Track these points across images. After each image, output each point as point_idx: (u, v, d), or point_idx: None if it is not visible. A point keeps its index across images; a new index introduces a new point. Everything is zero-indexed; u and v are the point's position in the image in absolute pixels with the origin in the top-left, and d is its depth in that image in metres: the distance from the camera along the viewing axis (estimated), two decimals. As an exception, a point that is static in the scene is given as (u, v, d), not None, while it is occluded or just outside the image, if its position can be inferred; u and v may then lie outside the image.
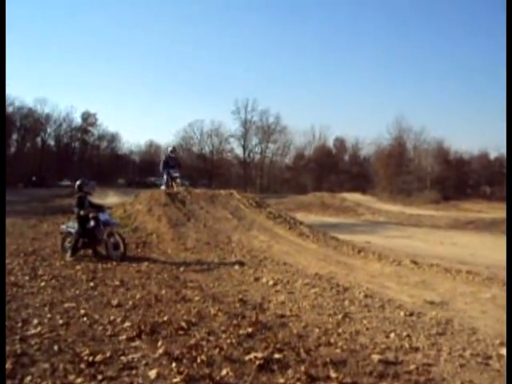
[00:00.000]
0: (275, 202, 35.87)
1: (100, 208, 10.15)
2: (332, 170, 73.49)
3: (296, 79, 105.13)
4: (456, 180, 64.42)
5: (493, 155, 69.91)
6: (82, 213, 9.67)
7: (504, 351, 4.49)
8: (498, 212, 38.13)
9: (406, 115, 68.48)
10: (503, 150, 68.26)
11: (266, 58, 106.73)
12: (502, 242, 18.08)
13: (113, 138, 72.91)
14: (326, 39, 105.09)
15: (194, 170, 67.46)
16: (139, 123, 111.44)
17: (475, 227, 24.75)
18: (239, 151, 75.50)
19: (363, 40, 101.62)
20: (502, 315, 5.84)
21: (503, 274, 8.51)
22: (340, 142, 79.28)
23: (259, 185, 71.16)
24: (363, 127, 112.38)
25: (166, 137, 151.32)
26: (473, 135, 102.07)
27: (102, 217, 9.74)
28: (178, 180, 16.87)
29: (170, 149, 18.42)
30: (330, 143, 78.35)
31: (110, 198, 30.73)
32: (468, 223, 26.24)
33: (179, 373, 3.68)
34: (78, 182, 10.00)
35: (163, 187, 16.99)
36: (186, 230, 12.52)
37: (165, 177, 17.20)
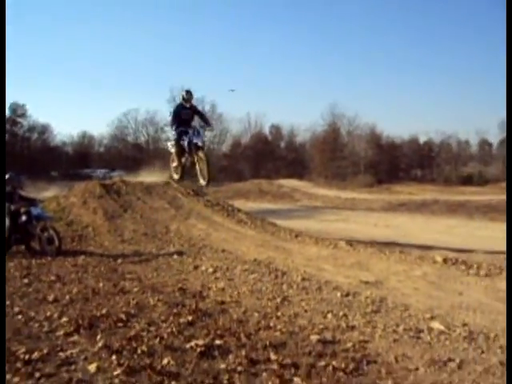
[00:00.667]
0: (213, 190, 35.76)
1: (32, 202, 9.83)
2: (269, 156, 73.93)
3: (230, 67, 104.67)
4: (388, 164, 66.44)
5: (422, 140, 72.54)
6: (12, 208, 9.34)
7: (434, 324, 4.72)
8: (428, 194, 39.77)
9: (340, 102, 70.01)
10: (432, 135, 71.15)
11: (200, 46, 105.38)
12: (432, 222, 18.93)
13: (44, 130, 70.21)
14: (258, 26, 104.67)
15: (130, 160, 66.24)
16: (71, 114, 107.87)
17: (407, 209, 25.66)
18: (176, 140, 74.45)
19: (297, 27, 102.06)
20: (433, 291, 6.14)
21: (433, 252, 8.92)
22: (276, 129, 79.77)
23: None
24: (298, 114, 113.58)
25: (99, 127, 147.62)
26: (404, 121, 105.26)
27: (34, 211, 9.46)
28: (201, 153, 10.78)
29: (182, 93, 11.39)
30: (266, 130, 78.69)
31: (44, 192, 29.64)
32: (400, 205, 27.16)
33: (119, 365, 3.64)
34: (6, 176, 9.63)
35: (174, 164, 11.81)
36: (122, 222, 12.32)
37: (174, 137, 11.20)
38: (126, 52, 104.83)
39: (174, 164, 11.80)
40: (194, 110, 11.52)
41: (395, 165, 68.35)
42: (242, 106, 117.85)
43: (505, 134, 70.48)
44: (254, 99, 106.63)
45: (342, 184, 54.06)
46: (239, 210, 14.63)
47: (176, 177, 12.14)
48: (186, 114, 11.21)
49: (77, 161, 69.16)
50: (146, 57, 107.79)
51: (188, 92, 11.27)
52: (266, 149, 74.08)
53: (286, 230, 12.25)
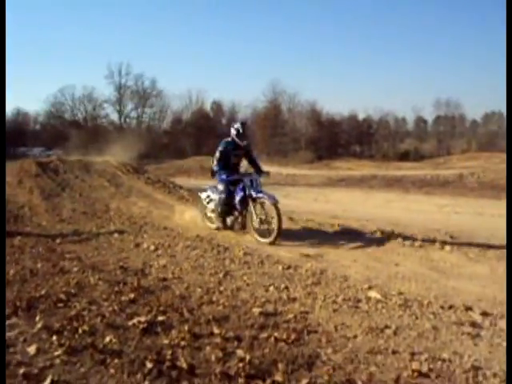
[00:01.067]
0: (154, 167, 35.41)
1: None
2: (210, 133, 73.25)
3: (170, 42, 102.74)
4: (328, 140, 67.44)
5: (361, 117, 73.97)
6: None
7: (371, 294, 4.91)
8: (367, 169, 40.75)
9: (281, 78, 70.15)
10: (371, 112, 72.64)
11: (138, 20, 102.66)
12: (370, 196, 19.45)
13: (-28, 107, 66.94)
14: (197, 2, 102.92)
15: (68, 137, 64.26)
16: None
17: (346, 184, 26.19)
18: (115, 117, 72.95)
19: (235, 2, 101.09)
20: (371, 262, 6.35)
21: (372, 225, 9.18)
22: (217, 106, 79.38)
23: (137, 150, 69.35)
24: (239, 91, 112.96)
25: (34, 104, 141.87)
26: (343, 98, 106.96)
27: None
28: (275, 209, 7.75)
29: (236, 126, 8.51)
30: (208, 107, 78.13)
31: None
32: (339, 181, 27.69)
33: (60, 345, 3.58)
34: None
35: (216, 221, 8.93)
36: (60, 201, 12.01)
37: (220, 190, 8.55)
38: (61, 27, 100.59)
39: (210, 218, 9.18)
40: (247, 151, 8.63)
41: (335, 141, 69.49)
42: (183, 83, 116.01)
43: (439, 112, 73.07)
44: (195, 76, 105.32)
45: (283, 160, 54.45)
46: (181, 187, 14.55)
47: (218, 226, 8.86)
48: (236, 157, 8.55)
49: (11, 139, 66.37)
50: (83, 30, 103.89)
51: (244, 124, 8.50)
52: (207, 125, 73.53)
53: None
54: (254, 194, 7.92)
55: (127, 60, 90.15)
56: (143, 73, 72.78)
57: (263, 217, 7.88)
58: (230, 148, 8.33)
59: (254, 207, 7.95)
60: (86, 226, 9.87)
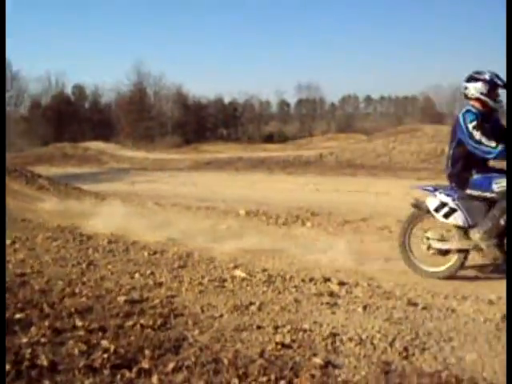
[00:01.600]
0: (12, 156, 33.06)
1: None
2: (72, 118, 70.01)
3: (22, 25, 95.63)
4: (195, 124, 67.35)
5: (227, 100, 74.76)
6: None
7: (236, 273, 5.02)
8: (233, 152, 41.38)
9: (145, 61, 68.56)
10: (235, 95, 73.67)
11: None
12: (236, 178, 19.80)
13: None
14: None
15: None
16: None
17: (213, 167, 26.37)
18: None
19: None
20: (235, 242, 6.47)
21: (238, 206, 9.36)
22: (79, 89, 75.81)
23: (-11, 139, 64.30)
24: (102, 74, 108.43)
25: None
26: (209, 81, 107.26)
27: None
28: None
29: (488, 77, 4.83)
30: (69, 91, 74.26)
31: None
32: (207, 164, 27.78)
33: None
34: None
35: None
36: None
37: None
38: None
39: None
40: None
41: (202, 125, 69.55)
42: (41, 65, 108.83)
43: (301, 96, 76.10)
44: (53, 58, 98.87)
45: (150, 145, 53.46)
46: (40, 176, 13.76)
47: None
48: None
49: None
50: None
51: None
52: (69, 110, 69.92)
53: (91, 194, 11.85)
54: None
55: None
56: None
57: None
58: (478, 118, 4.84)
59: None
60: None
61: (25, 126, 69.58)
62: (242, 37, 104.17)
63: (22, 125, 70.58)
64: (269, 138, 68.32)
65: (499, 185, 4.69)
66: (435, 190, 5.15)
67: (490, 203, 4.80)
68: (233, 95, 75.77)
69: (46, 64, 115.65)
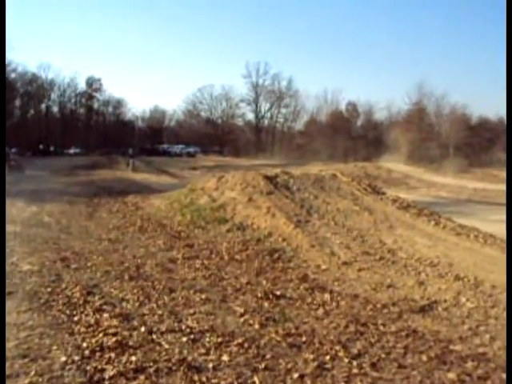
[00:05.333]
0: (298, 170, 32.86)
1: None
2: (346, 135, 70.17)
3: (309, 42, 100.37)
4: (478, 146, 61.69)
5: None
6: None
7: None
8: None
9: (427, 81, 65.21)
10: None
11: (278, 20, 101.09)
12: None
13: (118, 104, 68.79)
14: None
15: (204, 136, 64.14)
16: (144, 88, 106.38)
17: None
18: (250, 116, 71.96)
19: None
20: None
21: None
22: (352, 107, 75.91)
23: (270, 151, 68.01)
24: (375, 92, 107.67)
25: (172, 102, 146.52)
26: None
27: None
28: None
29: None
30: (342, 107, 74.93)
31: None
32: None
33: None
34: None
35: None
36: (317, 230, 9.49)
37: None
38: (202, 26, 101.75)
39: None
40: None
41: (485, 147, 63.38)
42: (318, 83, 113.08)
43: None
44: (330, 75, 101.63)
45: (430, 167, 49.76)
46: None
47: None
48: None
49: (149, 135, 67.51)
50: (221, 32, 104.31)
51: None
52: (342, 127, 70.36)
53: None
54: None
55: (265, 59, 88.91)
56: (280, 72, 70.94)
57: None
58: None
59: None
60: (397, 279, 7.14)
61: (301, 141, 72.07)
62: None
63: (298, 139, 73.37)
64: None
65: None
66: None
67: None
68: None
69: (324, 81, 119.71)
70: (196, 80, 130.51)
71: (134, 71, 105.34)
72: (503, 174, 44.94)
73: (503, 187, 30.42)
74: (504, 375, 4.04)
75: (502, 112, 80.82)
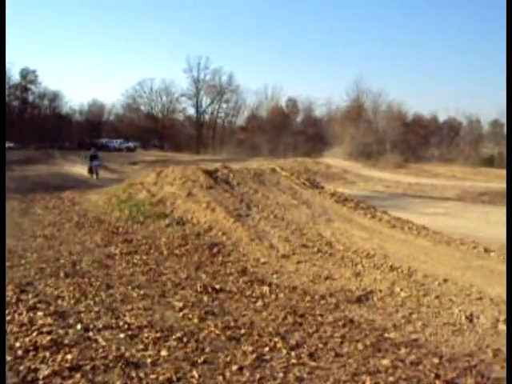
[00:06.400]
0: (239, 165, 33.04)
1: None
2: (286, 131, 70.85)
3: (249, 38, 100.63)
4: (414, 142, 63.81)
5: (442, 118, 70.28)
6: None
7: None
8: (470, 176, 37.01)
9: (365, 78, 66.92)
10: (452, 114, 68.48)
11: (219, 14, 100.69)
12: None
13: (55, 97, 66.47)
14: None
15: (144, 130, 63.18)
16: (81, 81, 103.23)
17: (491, 199, 22.94)
18: (191, 111, 71.41)
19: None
20: None
21: None
22: (293, 103, 76.67)
23: (211, 146, 67.88)
24: (314, 88, 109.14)
25: (111, 95, 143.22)
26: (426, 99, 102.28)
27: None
28: None
29: None
30: (282, 103, 75.59)
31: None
32: (481, 194, 24.42)
33: None
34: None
35: None
36: (256, 224, 9.56)
37: None
38: (141, 20, 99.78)
39: None
40: None
41: (420, 143, 65.68)
42: (259, 78, 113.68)
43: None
44: (271, 71, 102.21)
45: (368, 162, 51.12)
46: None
47: None
48: None
49: (88, 129, 65.75)
50: (161, 24, 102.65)
51: None
52: (283, 122, 71.03)
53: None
54: None
55: (206, 54, 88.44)
56: (221, 67, 70.71)
57: None
58: None
59: None
60: (334, 271, 7.29)
61: (242, 136, 72.24)
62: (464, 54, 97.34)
63: (239, 134, 73.50)
64: (488, 162, 62.08)
65: None
66: None
67: None
68: (449, 113, 70.55)
69: (264, 77, 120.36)
70: (136, 73, 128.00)
71: (71, 64, 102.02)
72: (436, 170, 46.77)
73: (436, 181, 31.77)
74: (436, 360, 4.19)
75: (435, 109, 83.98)
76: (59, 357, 3.94)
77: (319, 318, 5.22)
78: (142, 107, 70.43)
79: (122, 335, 4.48)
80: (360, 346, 4.48)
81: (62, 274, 6.51)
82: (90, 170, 24.94)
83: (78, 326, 4.64)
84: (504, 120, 70.23)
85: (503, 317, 5.27)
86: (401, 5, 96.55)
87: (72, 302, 5.41)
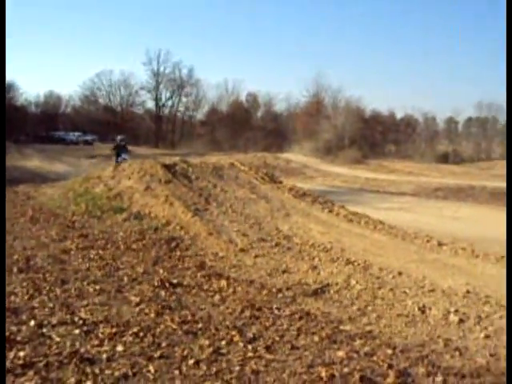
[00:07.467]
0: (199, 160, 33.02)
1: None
2: (246, 125, 70.89)
3: (210, 32, 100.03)
4: (372, 138, 64.84)
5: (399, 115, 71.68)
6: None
7: None
8: (425, 171, 37.91)
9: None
10: (409, 111, 70.16)
11: (180, 6, 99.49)
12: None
13: (9, 88, 64.46)
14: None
15: (103, 123, 62.07)
16: (37, 72, 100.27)
17: (445, 194, 23.61)
18: (150, 104, 70.49)
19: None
20: None
21: None
22: (253, 98, 76.68)
23: (171, 140, 67.35)
24: (275, 83, 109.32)
25: (69, 87, 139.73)
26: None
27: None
28: None
29: None
30: (243, 98, 75.48)
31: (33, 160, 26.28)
32: (435, 190, 25.07)
33: None
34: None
35: None
36: (216, 219, 9.56)
37: None
38: (100, 10, 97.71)
39: None
40: None
41: (377, 139, 66.79)
42: (219, 72, 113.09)
43: (481, 114, 70.24)
44: (231, 65, 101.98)
45: (327, 158, 51.70)
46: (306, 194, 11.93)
47: None
48: None
49: (44, 121, 64.10)
50: (121, 16, 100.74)
51: None
52: (243, 117, 71.10)
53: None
54: None
55: (166, 47, 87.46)
56: (181, 61, 70.03)
57: None
58: None
59: None
60: (292, 264, 7.37)
61: (202, 130, 71.91)
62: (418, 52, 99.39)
63: (199, 129, 73.14)
64: (443, 158, 63.78)
65: None
66: None
67: None
68: (406, 110, 72.06)
69: (225, 72, 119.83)
70: (93, 65, 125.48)
71: (27, 54, 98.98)
72: (393, 165, 47.69)
73: (393, 177, 32.41)
74: (389, 351, 4.29)
75: (393, 106, 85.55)
76: (11, 354, 3.86)
77: (276, 312, 5.26)
78: (101, 100, 69.09)
79: (76, 331, 4.41)
80: (316, 339, 4.53)
81: (15, 270, 6.36)
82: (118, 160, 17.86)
83: (32, 323, 4.54)
84: (458, 118, 72.48)
85: (454, 308, 5.44)
86: (359, 2, 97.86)
87: (26, 297, 5.30)
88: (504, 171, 46.70)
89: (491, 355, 4.29)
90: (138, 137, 65.16)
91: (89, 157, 38.07)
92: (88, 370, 3.68)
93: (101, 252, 7.63)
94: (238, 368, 3.82)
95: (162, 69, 68.92)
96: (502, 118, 70.00)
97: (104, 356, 3.92)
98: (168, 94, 70.51)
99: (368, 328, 4.95)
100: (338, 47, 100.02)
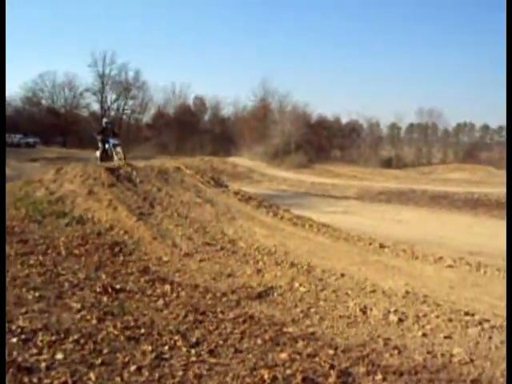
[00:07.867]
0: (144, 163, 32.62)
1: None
2: (193, 129, 70.52)
3: (157, 34, 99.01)
4: (318, 143, 65.81)
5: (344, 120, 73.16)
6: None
7: None
8: (368, 176, 38.83)
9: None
10: (354, 117, 71.79)
11: (125, 10, 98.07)
12: (445, 217, 17.42)
13: None
14: None
15: (46, 126, 60.39)
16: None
17: (387, 198, 24.24)
18: (95, 107, 69.11)
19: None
20: None
21: None
22: (200, 101, 76.48)
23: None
24: (222, 87, 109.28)
25: (9, 88, 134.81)
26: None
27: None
28: None
29: None
30: (190, 102, 75.17)
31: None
32: (379, 193, 25.70)
33: None
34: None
35: None
36: (160, 223, 9.48)
37: None
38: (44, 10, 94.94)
39: None
40: None
41: (323, 144, 67.86)
42: (167, 75, 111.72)
43: (422, 120, 72.66)
44: (179, 69, 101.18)
45: (273, 162, 52.20)
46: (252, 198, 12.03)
47: None
48: None
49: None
50: (66, 16, 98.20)
51: None
52: (190, 121, 70.72)
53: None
54: None
55: (112, 49, 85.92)
56: (128, 62, 69.05)
57: None
58: None
59: None
60: (236, 268, 7.41)
61: (149, 134, 71.01)
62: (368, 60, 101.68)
63: (146, 132, 72.22)
64: (386, 163, 65.61)
65: None
66: None
67: None
68: (351, 116, 73.71)
69: (173, 75, 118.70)
70: (35, 66, 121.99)
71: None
72: (338, 170, 48.58)
73: (338, 181, 33.02)
74: (331, 351, 4.38)
75: (338, 111, 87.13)
76: None
77: (220, 315, 5.28)
78: (44, 101, 67.21)
79: (14, 340, 4.28)
80: (259, 341, 4.57)
81: None
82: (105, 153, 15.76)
83: (-35, 332, 4.38)
84: (401, 124, 74.58)
85: (393, 308, 5.60)
86: (306, 10, 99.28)
87: (-41, 306, 5.09)
88: (444, 176, 48.45)
89: (428, 352, 4.45)
90: (83, 139, 63.70)
91: (31, 160, 36.94)
92: (26, 379, 3.57)
93: (41, 258, 7.42)
94: (180, 373, 3.81)
95: (107, 71, 67.86)
96: (442, 125, 72.76)
97: (43, 365, 3.83)
98: (114, 97, 69.48)
99: (311, 329, 5.03)
100: (285, 52, 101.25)
